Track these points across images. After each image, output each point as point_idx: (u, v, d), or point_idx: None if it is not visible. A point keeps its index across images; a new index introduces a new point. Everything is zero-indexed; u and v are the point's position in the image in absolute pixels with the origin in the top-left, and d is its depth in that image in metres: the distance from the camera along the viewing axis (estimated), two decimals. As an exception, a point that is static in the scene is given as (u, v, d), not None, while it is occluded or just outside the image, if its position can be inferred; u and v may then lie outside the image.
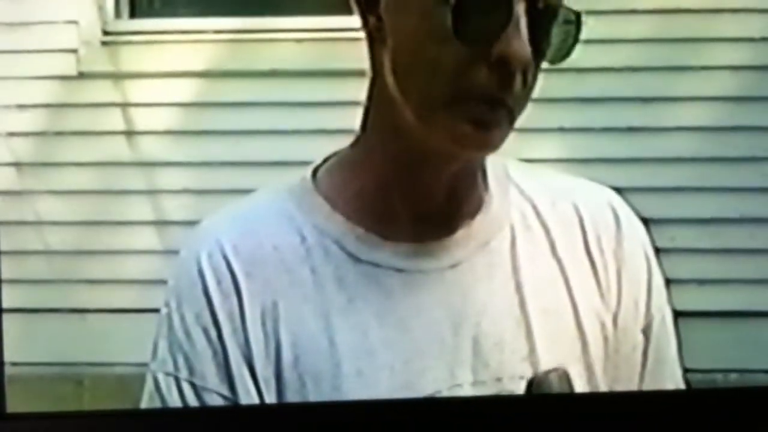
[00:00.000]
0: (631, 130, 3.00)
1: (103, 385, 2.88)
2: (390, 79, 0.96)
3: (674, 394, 1.08)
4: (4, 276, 1.19)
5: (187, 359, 0.99)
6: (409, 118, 0.95)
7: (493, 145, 0.95)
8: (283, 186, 1.05)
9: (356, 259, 1.00)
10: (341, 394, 0.98)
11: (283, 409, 0.99)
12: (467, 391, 0.99)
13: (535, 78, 0.95)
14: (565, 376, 1.00)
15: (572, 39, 0.95)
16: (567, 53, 0.95)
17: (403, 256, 1.00)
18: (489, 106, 0.92)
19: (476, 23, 0.91)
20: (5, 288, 1.14)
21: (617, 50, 2.98)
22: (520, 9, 0.91)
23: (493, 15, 0.90)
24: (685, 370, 1.09)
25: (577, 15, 0.95)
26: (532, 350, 1.00)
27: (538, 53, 0.93)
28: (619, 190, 1.10)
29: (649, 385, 1.06)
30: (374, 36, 0.98)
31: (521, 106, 0.95)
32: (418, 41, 0.93)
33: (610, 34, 2.96)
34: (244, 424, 1.02)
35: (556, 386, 0.99)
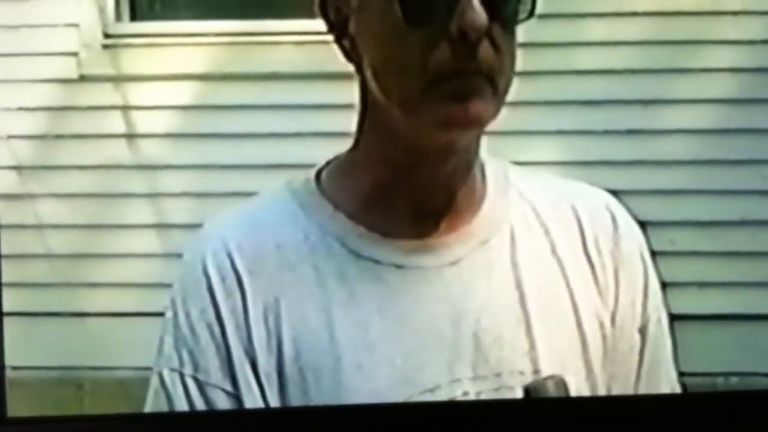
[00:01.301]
0: (630, 132, 3.00)
1: (104, 389, 2.88)
2: (373, 86, 0.98)
3: (674, 397, 1.08)
4: (5, 279, 1.19)
5: (191, 355, 1.00)
6: (397, 117, 0.97)
7: (477, 117, 0.95)
8: (287, 187, 1.06)
9: (357, 256, 1.01)
10: (341, 388, 0.98)
11: (285, 412, 0.99)
12: (466, 386, 1.00)
13: (509, 42, 0.95)
14: (562, 384, 1.00)
15: None
16: (533, 6, 0.95)
17: (404, 252, 1.01)
18: (462, 79, 0.93)
19: (425, 7, 0.93)
20: (6, 291, 1.14)
21: (617, 52, 2.98)
22: None
23: None
24: (686, 374, 1.10)
25: None
26: (532, 346, 1.01)
27: (500, 15, 0.93)
28: (619, 193, 1.10)
29: (645, 384, 1.07)
30: (351, 56, 1.00)
31: (504, 73, 0.95)
32: (384, 43, 0.96)
33: (609, 36, 2.97)
34: (247, 428, 1.03)
35: (553, 393, 1.00)
